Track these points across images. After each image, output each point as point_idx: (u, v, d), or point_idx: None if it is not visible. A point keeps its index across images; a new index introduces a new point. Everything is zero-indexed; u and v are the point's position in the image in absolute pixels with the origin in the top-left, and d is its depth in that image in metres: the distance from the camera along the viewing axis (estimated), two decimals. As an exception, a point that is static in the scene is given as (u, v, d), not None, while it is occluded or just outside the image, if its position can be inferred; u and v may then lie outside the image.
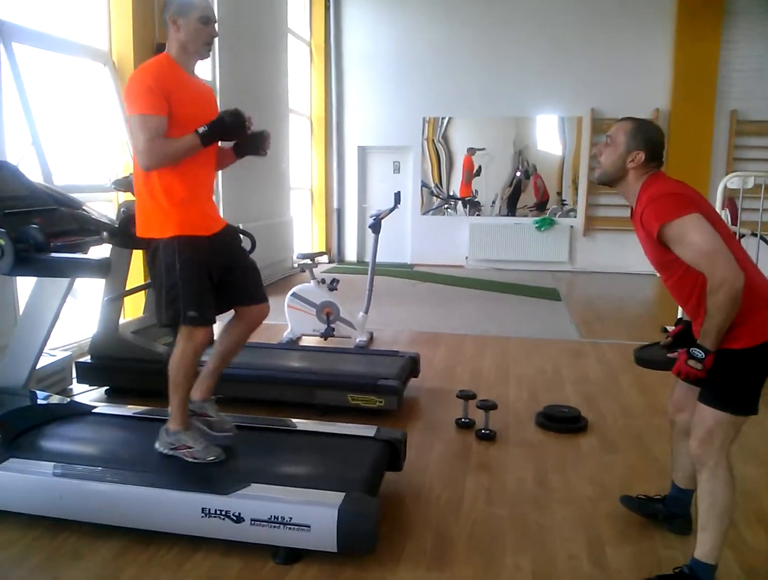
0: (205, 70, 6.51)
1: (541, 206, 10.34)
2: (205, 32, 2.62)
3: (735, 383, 2.17)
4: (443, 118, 10.35)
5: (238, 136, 2.73)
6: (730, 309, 2.03)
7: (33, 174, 3.58)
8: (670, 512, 2.66)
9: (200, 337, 2.67)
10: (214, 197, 2.92)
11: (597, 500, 2.94)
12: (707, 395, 2.22)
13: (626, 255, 9.94)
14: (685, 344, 2.22)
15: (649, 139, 2.25)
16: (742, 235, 5.96)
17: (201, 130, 2.52)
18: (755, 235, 5.79)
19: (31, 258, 2.73)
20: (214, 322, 2.73)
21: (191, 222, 2.62)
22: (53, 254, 2.77)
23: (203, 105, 2.70)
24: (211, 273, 2.71)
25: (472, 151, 10.36)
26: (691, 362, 2.12)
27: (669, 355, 2.28)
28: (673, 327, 2.53)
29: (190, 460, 2.69)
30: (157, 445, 2.76)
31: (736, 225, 5.70)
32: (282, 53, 9.03)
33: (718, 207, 5.46)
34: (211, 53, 2.75)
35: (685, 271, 2.16)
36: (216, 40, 2.76)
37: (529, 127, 10.20)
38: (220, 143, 2.76)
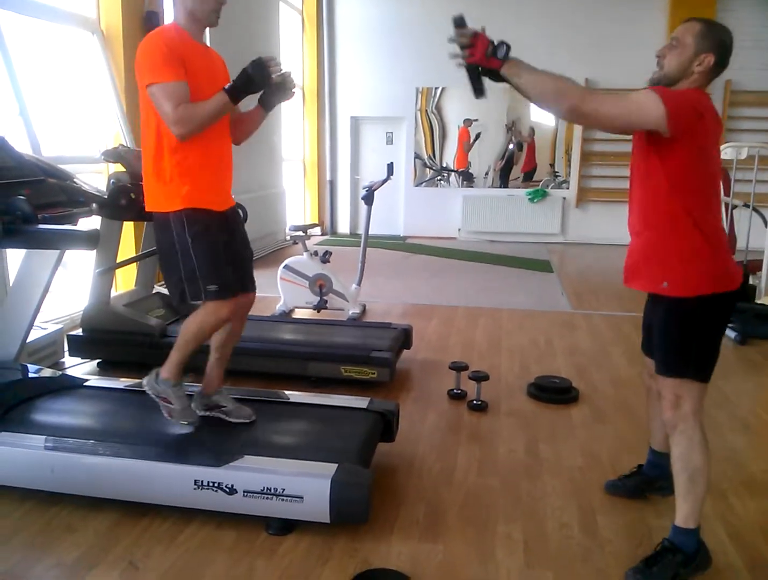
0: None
1: (528, 175, 10.30)
2: None
3: (685, 342, 2.14)
4: (436, 89, 10.23)
5: (264, 86, 2.53)
6: (549, 96, 2.18)
7: (21, 145, 3.52)
8: (649, 478, 2.67)
9: (225, 312, 2.58)
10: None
11: (587, 470, 2.97)
12: (661, 365, 2.22)
13: (618, 227, 9.78)
14: None
15: (720, 41, 2.12)
16: (735, 207, 5.96)
17: (227, 86, 2.44)
18: (747, 206, 5.79)
19: (18, 230, 2.69)
20: (238, 292, 2.62)
21: (201, 195, 2.52)
22: (41, 226, 2.74)
23: (216, 74, 2.59)
24: (229, 243, 2.63)
25: (468, 122, 10.26)
26: (480, 49, 2.15)
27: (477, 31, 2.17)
28: None
29: (165, 415, 2.70)
30: (144, 381, 2.71)
31: (728, 196, 5.69)
32: (273, 21, 8.87)
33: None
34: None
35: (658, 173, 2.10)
36: None
37: (523, 98, 10.06)
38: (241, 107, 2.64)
